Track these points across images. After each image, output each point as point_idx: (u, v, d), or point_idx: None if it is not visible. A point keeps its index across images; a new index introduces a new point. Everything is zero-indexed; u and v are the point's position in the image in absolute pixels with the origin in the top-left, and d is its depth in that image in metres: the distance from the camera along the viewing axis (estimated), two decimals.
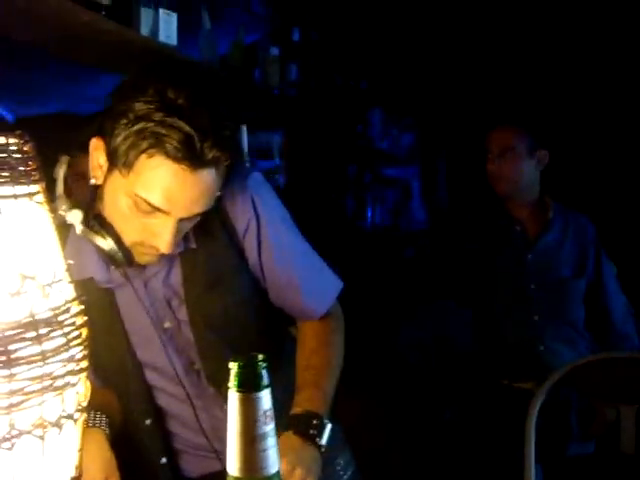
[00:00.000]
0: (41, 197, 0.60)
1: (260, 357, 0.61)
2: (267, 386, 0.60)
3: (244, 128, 2.09)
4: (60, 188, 1.06)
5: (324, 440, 1.07)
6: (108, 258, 1.06)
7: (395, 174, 4.01)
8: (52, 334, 0.56)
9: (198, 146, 0.93)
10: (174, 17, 1.65)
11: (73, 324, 0.59)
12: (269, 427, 0.60)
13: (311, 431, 1.06)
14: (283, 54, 2.39)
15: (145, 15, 1.59)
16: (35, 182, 0.60)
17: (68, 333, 0.58)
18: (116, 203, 1.01)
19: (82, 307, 0.62)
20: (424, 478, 2.28)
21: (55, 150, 1.09)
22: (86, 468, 1.02)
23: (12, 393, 0.54)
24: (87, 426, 1.06)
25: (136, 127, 0.93)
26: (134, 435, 1.15)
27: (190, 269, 1.13)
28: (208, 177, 0.97)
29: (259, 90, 2.25)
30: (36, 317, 0.55)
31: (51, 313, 0.57)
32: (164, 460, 1.18)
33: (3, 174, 0.55)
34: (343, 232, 3.07)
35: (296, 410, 1.10)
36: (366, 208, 3.46)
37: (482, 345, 2.30)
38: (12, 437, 0.55)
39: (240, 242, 1.16)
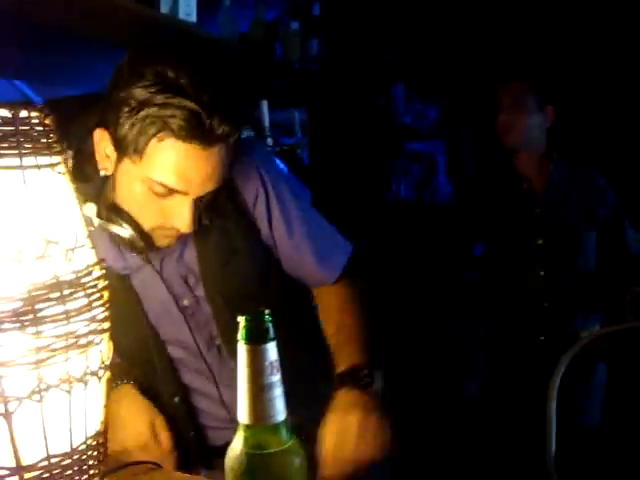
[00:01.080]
0: (62, 167, 0.64)
1: (266, 312, 0.64)
2: (273, 339, 0.64)
3: (265, 103, 2.10)
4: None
5: (378, 386, 1.14)
6: (128, 245, 1.06)
7: (420, 148, 3.99)
8: (75, 295, 0.60)
9: (207, 123, 0.92)
10: None
11: (95, 286, 0.63)
12: (276, 377, 0.64)
13: (361, 382, 1.09)
14: (304, 29, 2.40)
15: None
16: (57, 153, 0.63)
17: (90, 295, 0.62)
18: (131, 190, 1.01)
19: (103, 271, 0.66)
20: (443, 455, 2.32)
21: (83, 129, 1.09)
22: (128, 422, 1.08)
23: (39, 349, 0.58)
24: (116, 385, 1.12)
25: (141, 114, 0.92)
26: (163, 413, 1.16)
27: (204, 246, 1.15)
28: (220, 152, 0.97)
29: (280, 65, 2.26)
30: (60, 279, 0.59)
31: (74, 275, 0.60)
32: (192, 434, 1.22)
33: (26, 146, 0.59)
34: (367, 207, 3.08)
35: (340, 369, 1.13)
36: (390, 183, 3.46)
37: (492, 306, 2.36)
38: (41, 390, 0.59)
39: (250, 215, 1.18)
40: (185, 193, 0.99)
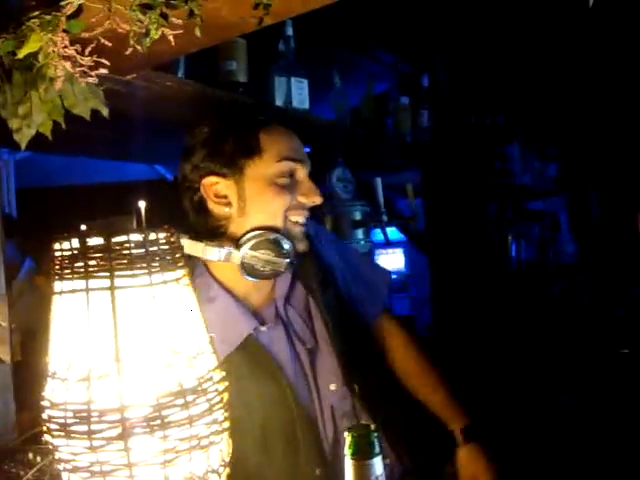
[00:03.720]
0: (186, 280, 0.71)
1: (372, 427, 0.66)
2: (378, 453, 0.65)
3: (379, 180, 2.15)
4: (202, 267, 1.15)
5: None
6: (279, 253, 1.09)
7: (540, 207, 3.88)
8: (197, 400, 0.65)
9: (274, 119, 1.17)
10: (305, 83, 1.78)
11: (215, 390, 0.68)
12: None
13: (479, 437, 1.26)
14: (413, 101, 2.45)
15: (279, 85, 1.73)
16: (181, 267, 0.70)
17: (211, 399, 0.67)
18: (261, 195, 1.12)
19: (223, 374, 0.71)
20: None
21: None
22: None
23: (166, 451, 0.63)
24: None
25: (225, 134, 1.12)
26: None
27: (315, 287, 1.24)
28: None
29: (391, 139, 2.32)
30: (184, 386, 0.65)
31: (196, 382, 0.66)
32: None
33: (154, 264, 0.66)
34: (488, 271, 3.02)
35: (454, 427, 1.27)
36: (510, 245, 3.38)
37: None
38: None
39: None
40: (298, 163, 1.14)
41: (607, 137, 3.86)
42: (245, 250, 1.08)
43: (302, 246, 1.16)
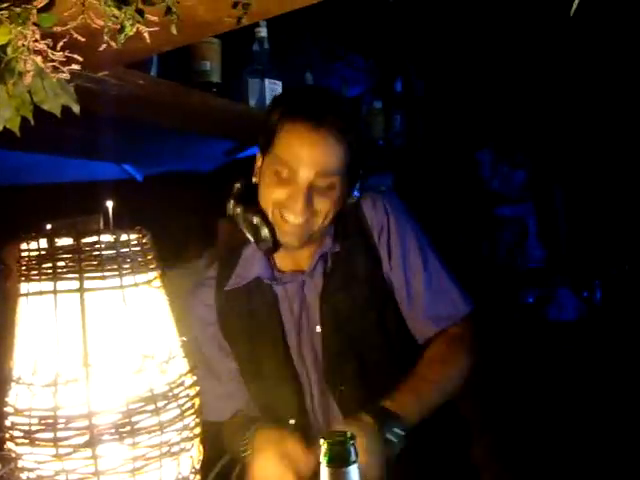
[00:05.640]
0: (158, 282, 0.69)
1: (349, 434, 0.65)
2: (354, 461, 0.64)
3: None
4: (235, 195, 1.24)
5: (395, 450, 1.05)
6: (254, 236, 1.19)
7: (509, 213, 3.93)
8: (168, 406, 0.64)
9: (318, 110, 1.13)
10: (279, 85, 1.77)
11: (187, 396, 0.66)
12: None
13: (389, 436, 1.05)
14: (386, 105, 2.46)
15: (252, 86, 1.71)
16: (153, 269, 0.68)
17: (182, 404, 0.65)
18: (264, 179, 1.18)
19: (195, 379, 0.69)
20: None
21: (177, 202, 1.24)
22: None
23: (135, 459, 0.62)
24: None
25: (274, 114, 1.16)
26: None
27: (334, 268, 1.22)
28: (328, 137, 1.12)
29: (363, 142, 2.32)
30: (154, 392, 0.63)
31: (167, 387, 0.64)
32: None
33: (125, 266, 0.64)
34: (458, 276, 3.04)
35: (389, 405, 1.09)
36: (480, 250, 3.41)
37: None
38: None
39: (375, 247, 1.24)
40: (295, 173, 1.12)
41: (574, 144, 3.92)
42: (240, 221, 1.21)
43: (291, 241, 1.19)
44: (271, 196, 1.16)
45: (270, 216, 1.18)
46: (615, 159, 3.74)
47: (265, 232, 1.18)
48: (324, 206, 1.16)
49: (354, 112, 1.22)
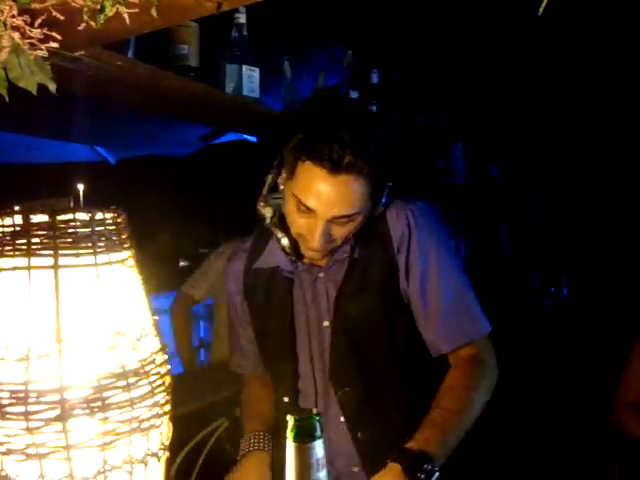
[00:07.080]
0: (132, 261, 0.70)
1: (314, 411, 0.67)
2: (319, 437, 0.67)
3: None
4: (265, 190, 1.26)
5: None
6: (282, 248, 1.25)
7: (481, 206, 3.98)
8: (139, 383, 0.65)
9: (337, 155, 1.09)
10: (256, 72, 1.77)
11: (158, 373, 0.68)
12: (322, 473, 0.66)
13: (420, 475, 1.01)
14: (362, 96, 2.47)
15: (230, 72, 1.72)
16: (127, 249, 0.69)
17: (153, 382, 0.66)
18: (287, 204, 1.19)
19: (166, 357, 0.71)
20: None
21: (151, 186, 1.23)
22: None
23: (105, 433, 0.63)
24: (249, 451, 1.20)
25: (299, 144, 1.14)
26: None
27: (350, 272, 1.24)
28: (347, 182, 1.11)
29: None
30: (126, 368, 0.64)
31: (139, 364, 0.65)
32: None
33: (100, 244, 0.65)
34: None
35: (411, 445, 1.06)
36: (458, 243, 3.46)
37: None
38: (105, 471, 0.63)
39: (394, 258, 1.23)
40: (314, 211, 1.13)
41: (545, 140, 3.99)
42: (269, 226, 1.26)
43: (312, 257, 1.24)
44: (292, 223, 1.20)
45: (293, 234, 1.22)
46: (586, 159, 3.82)
47: (289, 247, 1.23)
48: (344, 233, 1.18)
49: (383, 130, 1.18)
